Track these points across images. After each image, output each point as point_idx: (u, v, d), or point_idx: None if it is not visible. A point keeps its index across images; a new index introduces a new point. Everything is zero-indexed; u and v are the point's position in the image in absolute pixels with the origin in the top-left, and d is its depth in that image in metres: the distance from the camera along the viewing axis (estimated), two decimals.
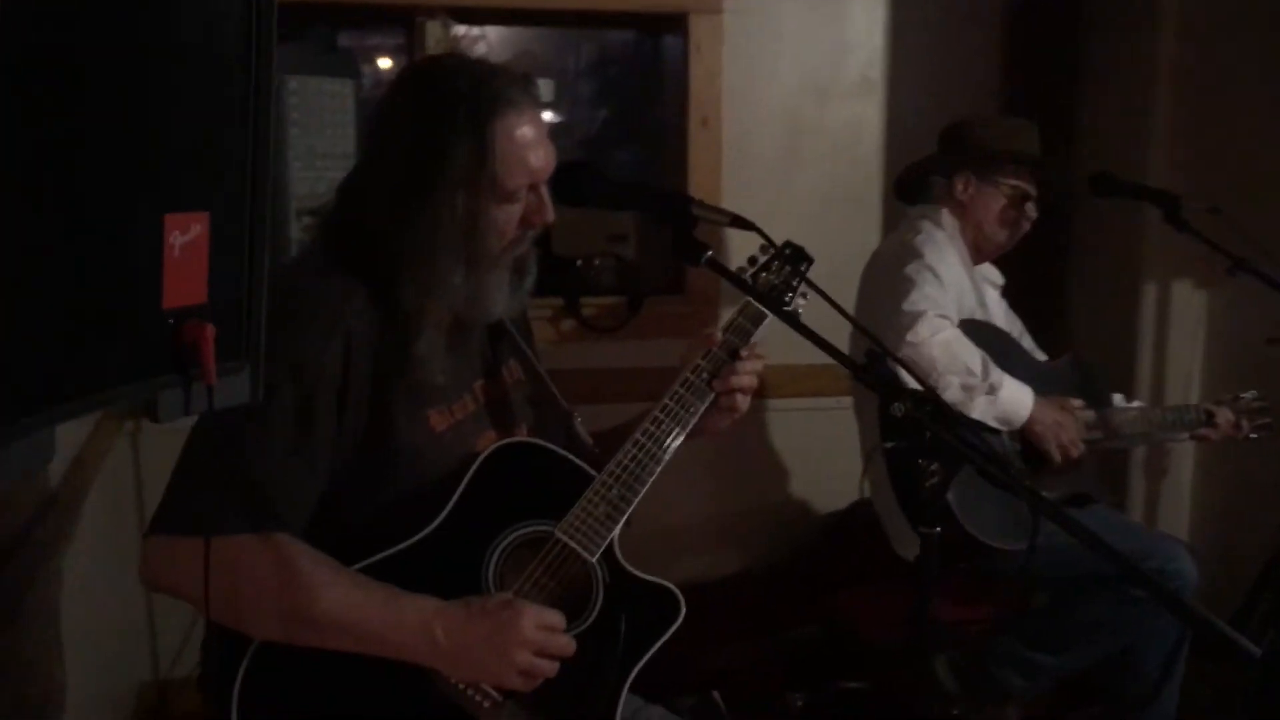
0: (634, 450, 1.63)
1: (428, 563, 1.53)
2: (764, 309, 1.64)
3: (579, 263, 3.22)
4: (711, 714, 2.87)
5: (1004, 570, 2.54)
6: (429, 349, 1.55)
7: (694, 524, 3.42)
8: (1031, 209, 2.70)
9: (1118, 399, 2.83)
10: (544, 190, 1.58)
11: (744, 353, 1.70)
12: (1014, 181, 2.68)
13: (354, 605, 1.45)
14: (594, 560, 1.59)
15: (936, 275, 2.51)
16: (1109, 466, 3.66)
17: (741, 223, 1.42)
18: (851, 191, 3.37)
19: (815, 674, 3.22)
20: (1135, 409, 2.77)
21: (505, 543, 1.58)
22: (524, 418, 1.77)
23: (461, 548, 1.56)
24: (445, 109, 1.52)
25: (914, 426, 1.34)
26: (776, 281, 1.80)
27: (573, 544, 1.58)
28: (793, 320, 1.52)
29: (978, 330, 2.55)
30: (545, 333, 3.18)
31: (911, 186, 2.83)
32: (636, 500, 1.62)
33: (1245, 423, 2.72)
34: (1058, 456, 2.51)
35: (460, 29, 3.25)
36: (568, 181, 1.46)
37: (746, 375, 1.71)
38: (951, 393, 2.39)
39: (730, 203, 3.26)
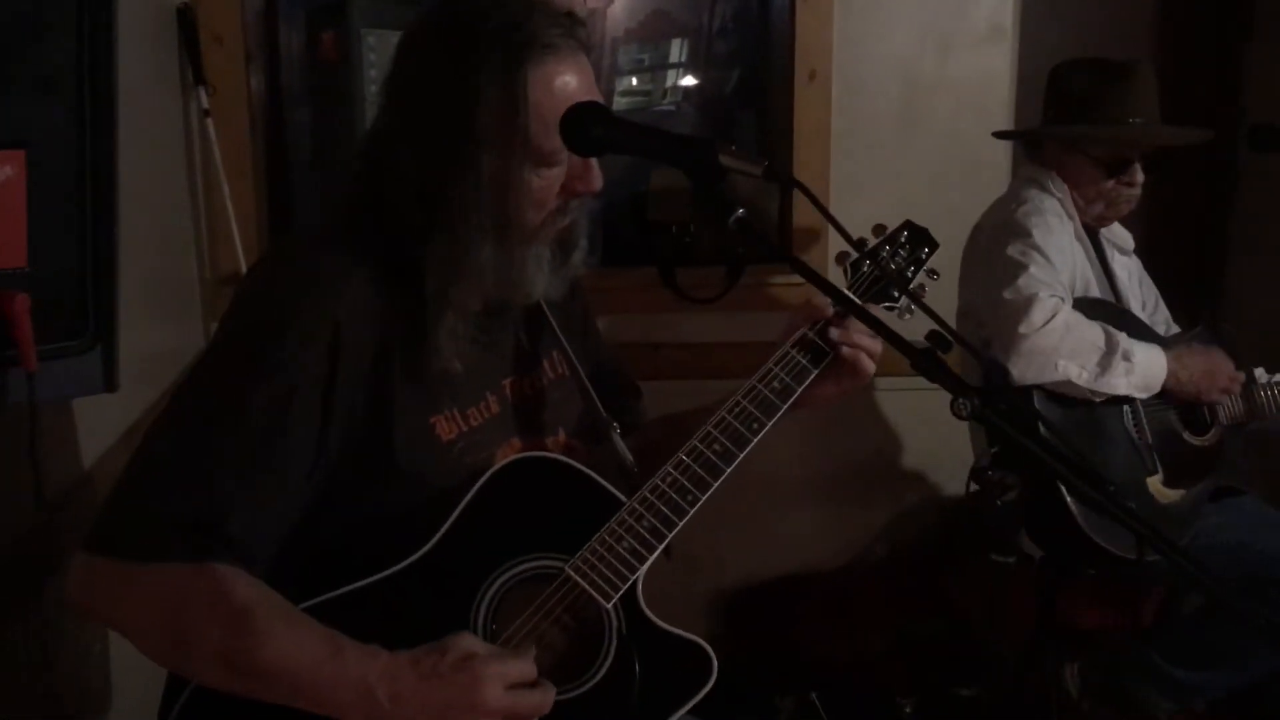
0: (681, 469, 1.38)
1: (409, 597, 1.30)
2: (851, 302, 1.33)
3: (674, 229, 3.01)
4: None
5: (1145, 575, 2.25)
6: (449, 339, 1.33)
7: (799, 505, 3.18)
8: (1133, 173, 2.35)
9: (1260, 373, 2.49)
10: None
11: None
12: (1100, 149, 2.34)
13: (290, 655, 1.21)
14: (609, 606, 1.34)
15: (1044, 254, 2.23)
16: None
17: (778, 177, 1.17)
18: (976, 154, 3.04)
19: (929, 676, 2.98)
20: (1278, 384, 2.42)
21: (505, 577, 1.34)
22: (561, 423, 1.52)
23: (452, 580, 1.32)
24: (470, 53, 1.28)
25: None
26: (885, 269, 1.56)
27: (585, 584, 1.33)
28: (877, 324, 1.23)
29: (1093, 308, 2.27)
30: (638, 303, 2.98)
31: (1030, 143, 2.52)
32: (673, 533, 1.37)
33: None
34: (1227, 400, 2.29)
35: None
36: (573, 128, 1.23)
37: (869, 337, 1.45)
38: (1082, 376, 2.11)
39: (840, 165, 3.07)
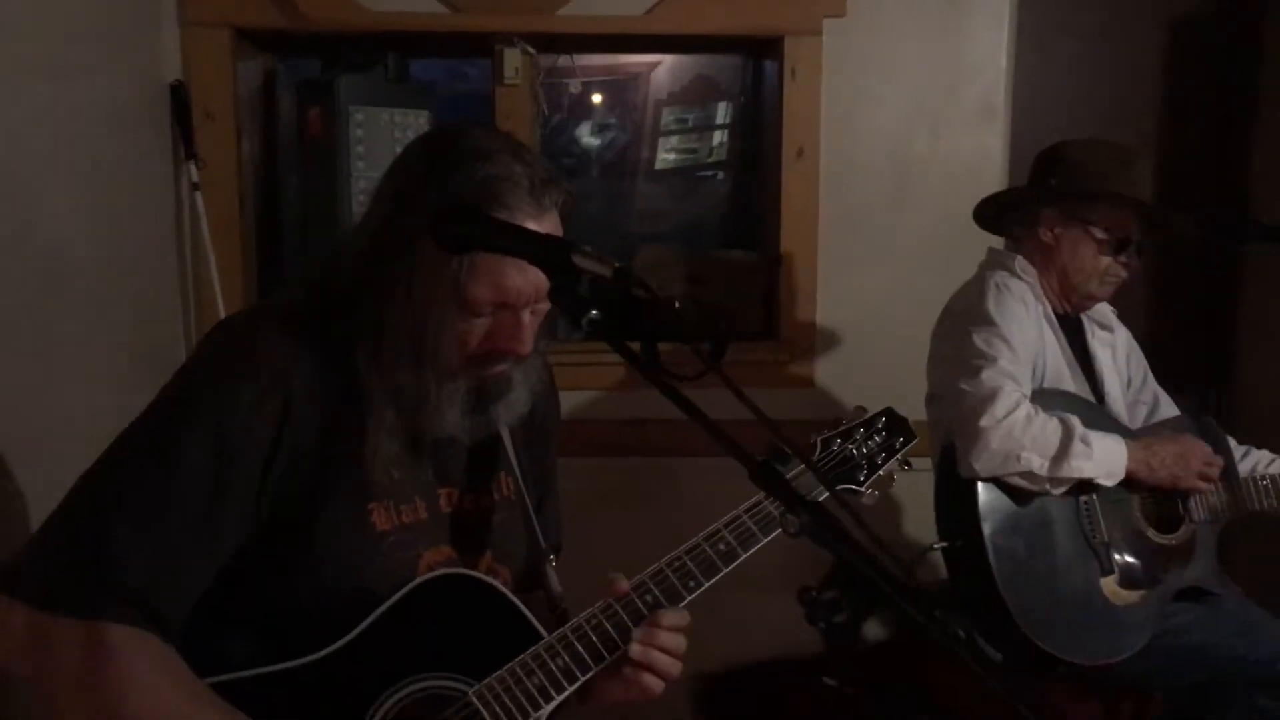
0: (608, 613, 1.36)
1: (308, 693, 1.28)
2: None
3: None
4: None
5: (1114, 674, 2.16)
6: (384, 436, 1.34)
7: (782, 590, 3.10)
8: (1132, 255, 2.29)
9: (1260, 455, 2.40)
10: (524, 316, 1.33)
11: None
12: (1107, 224, 2.28)
13: None
14: None
15: (1009, 344, 2.16)
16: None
17: (630, 279, 1.15)
18: (968, 233, 2.97)
19: None
20: (1272, 474, 2.32)
21: (407, 691, 1.31)
22: (495, 545, 1.50)
23: (354, 685, 1.30)
24: (425, 187, 1.31)
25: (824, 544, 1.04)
26: (856, 454, 1.57)
27: (485, 713, 1.31)
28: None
29: (1053, 401, 2.20)
30: (621, 379, 2.97)
31: (994, 218, 2.46)
32: (586, 677, 1.35)
33: None
34: (1203, 485, 2.20)
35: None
36: (445, 224, 1.23)
37: (669, 648, 1.39)
38: (1043, 466, 2.06)
39: (830, 243, 3.04)
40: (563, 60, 3.18)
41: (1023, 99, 3.03)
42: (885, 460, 1.57)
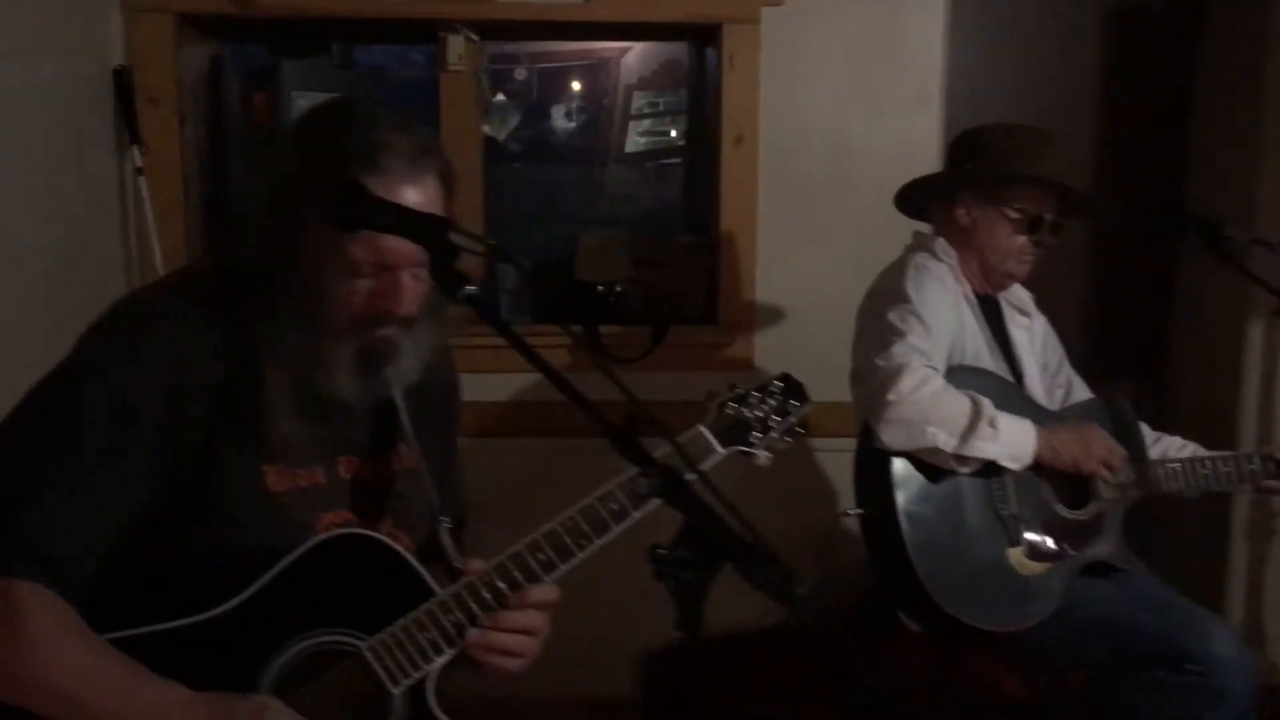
0: (500, 570, 1.40)
1: (205, 649, 1.33)
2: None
3: (600, 289, 3.04)
4: None
5: (1025, 646, 2.23)
6: (280, 400, 1.39)
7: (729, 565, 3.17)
8: (1047, 234, 2.36)
9: (1172, 441, 2.47)
10: (404, 278, 1.38)
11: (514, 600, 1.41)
12: (1020, 204, 2.34)
13: (84, 678, 1.26)
14: (396, 692, 1.36)
15: (923, 321, 2.22)
16: (1206, 526, 3.27)
17: (501, 255, 1.21)
18: (903, 217, 3.05)
19: None
20: (1181, 459, 2.39)
21: (300, 647, 1.35)
22: (396, 512, 1.54)
23: (248, 641, 1.34)
24: (312, 151, 1.38)
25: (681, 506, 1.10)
26: (750, 416, 1.61)
27: (377, 667, 1.35)
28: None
29: (970, 378, 2.25)
30: (563, 363, 3.01)
31: (914, 203, 2.52)
32: (472, 633, 1.38)
33: None
34: (1105, 472, 2.23)
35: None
36: (334, 201, 1.29)
37: (510, 633, 1.42)
38: (949, 443, 2.11)
39: (769, 227, 3.10)
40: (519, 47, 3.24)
41: (958, 85, 3.09)
42: (779, 423, 1.62)
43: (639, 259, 3.09)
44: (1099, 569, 2.27)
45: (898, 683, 2.57)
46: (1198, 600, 2.34)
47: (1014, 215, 2.34)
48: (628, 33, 3.25)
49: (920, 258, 2.38)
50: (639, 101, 3.61)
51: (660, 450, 1.37)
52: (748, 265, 3.07)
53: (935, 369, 2.17)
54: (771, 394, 1.62)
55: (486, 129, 3.66)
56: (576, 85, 3.65)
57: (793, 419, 1.63)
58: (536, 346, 2.95)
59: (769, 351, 3.10)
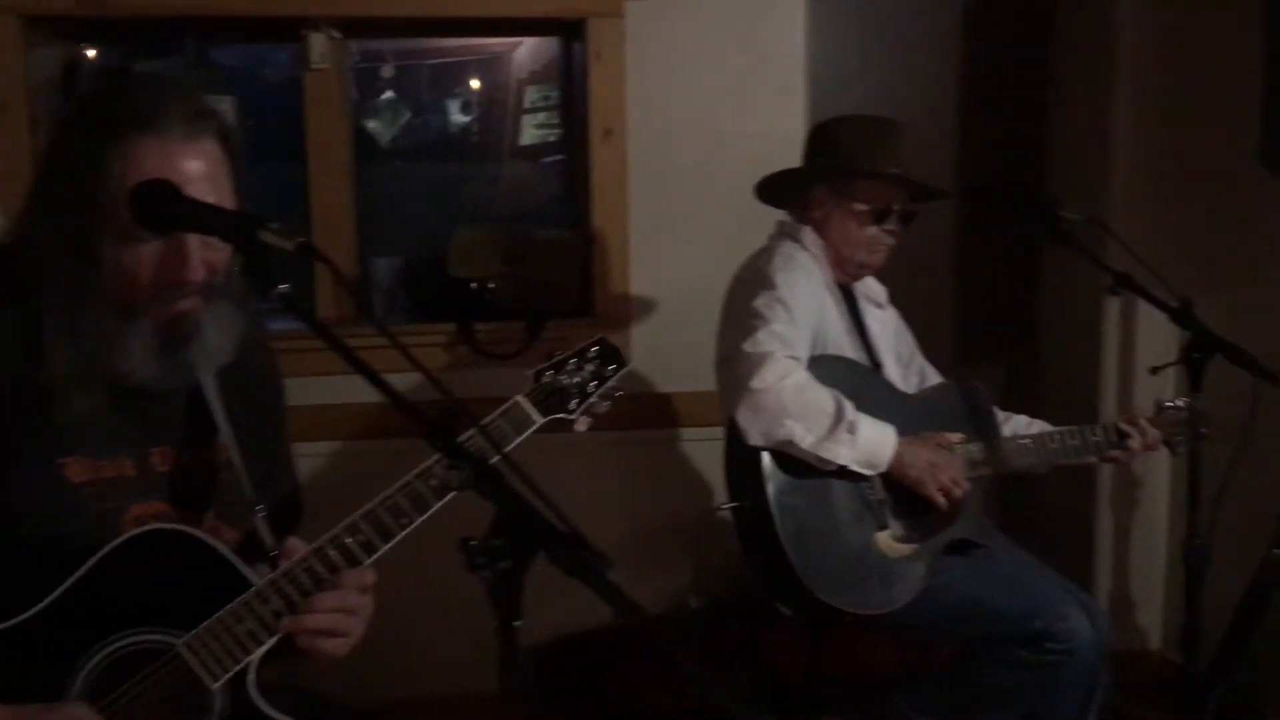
0: (318, 554, 1.39)
1: (9, 656, 1.30)
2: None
3: (474, 285, 3.04)
4: None
5: (900, 627, 2.29)
6: (75, 388, 1.36)
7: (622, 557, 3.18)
8: (896, 224, 2.41)
9: (1020, 420, 2.55)
10: (191, 242, 1.35)
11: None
12: (866, 197, 2.39)
13: None
14: (214, 688, 1.34)
15: (788, 308, 2.25)
16: (1073, 498, 3.39)
17: (312, 253, 1.20)
18: (771, 208, 3.13)
19: None
20: (1030, 435, 2.47)
21: (112, 647, 1.33)
22: (217, 503, 1.52)
23: (55, 646, 1.32)
24: (81, 120, 1.39)
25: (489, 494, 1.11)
26: (568, 383, 1.64)
27: (194, 663, 1.34)
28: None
29: (832, 366, 2.30)
30: (439, 360, 3.00)
31: (773, 195, 2.56)
32: (287, 619, 1.37)
33: (1170, 436, 2.45)
34: (941, 500, 2.25)
35: None
36: (140, 202, 1.27)
37: (327, 613, 1.39)
38: (806, 440, 2.15)
39: (641, 219, 3.12)
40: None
41: (821, 76, 3.15)
42: (597, 388, 1.65)
43: (512, 254, 3.09)
44: (962, 546, 2.34)
45: (772, 672, 2.62)
46: (1068, 571, 2.43)
47: (860, 208, 2.39)
48: (495, 28, 3.23)
49: (787, 246, 2.42)
50: (533, 95, 3.61)
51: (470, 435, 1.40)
52: (620, 258, 3.09)
53: (799, 359, 2.20)
54: (588, 360, 1.65)
55: (374, 125, 3.64)
56: (475, 83, 3.65)
57: (610, 383, 1.67)
58: (412, 346, 2.94)
59: (644, 343, 3.12)
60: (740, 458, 2.28)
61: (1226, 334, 2.10)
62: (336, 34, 2.95)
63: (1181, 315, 2.06)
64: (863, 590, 2.22)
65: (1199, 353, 2.03)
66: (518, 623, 1.11)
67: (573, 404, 1.63)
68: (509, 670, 1.12)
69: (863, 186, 2.39)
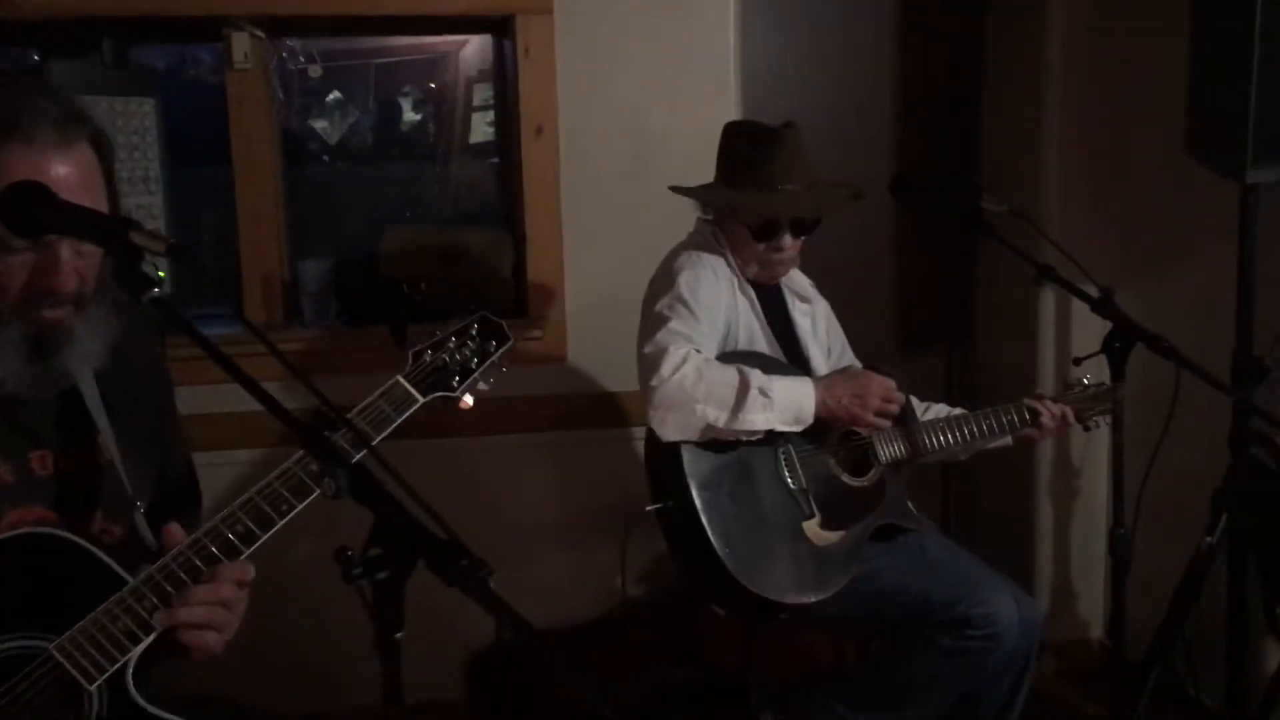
0: (195, 548, 1.36)
1: None
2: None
3: (406, 287, 3.00)
4: None
5: (831, 616, 2.28)
6: None
7: (547, 556, 3.14)
8: (784, 240, 2.36)
9: (939, 408, 2.56)
10: (63, 252, 1.33)
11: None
12: (749, 216, 2.35)
13: None
14: (91, 689, 1.31)
15: (689, 307, 2.25)
16: (1012, 491, 3.40)
17: (181, 255, 1.17)
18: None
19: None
20: (943, 420, 2.47)
21: None
22: (104, 504, 1.49)
23: None
24: None
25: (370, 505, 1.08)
26: (449, 361, 1.63)
27: (68, 665, 1.30)
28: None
29: (742, 360, 2.28)
30: (371, 364, 2.94)
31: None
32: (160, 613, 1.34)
33: (1082, 414, 2.48)
34: (883, 423, 2.27)
35: None
36: (10, 206, 1.24)
37: (201, 605, 1.36)
38: (720, 418, 2.13)
39: (573, 216, 3.09)
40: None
41: (753, 71, 3.14)
42: (480, 364, 1.63)
43: (445, 254, 3.05)
44: (889, 532, 2.33)
45: (709, 669, 2.61)
46: (1010, 564, 2.44)
47: (747, 224, 2.36)
48: (422, 26, 3.20)
49: (694, 242, 2.42)
50: (485, 93, 3.58)
51: (341, 432, 1.41)
52: (553, 256, 3.07)
53: (697, 349, 2.19)
54: (470, 337, 1.62)
55: (322, 126, 3.59)
56: (428, 83, 3.62)
57: (493, 359, 1.64)
58: (343, 350, 2.89)
59: (579, 341, 3.10)
60: (661, 460, 2.27)
61: (1159, 323, 2.10)
62: (259, 33, 2.90)
63: (1102, 305, 2.05)
64: (794, 579, 2.22)
65: (1119, 342, 2.02)
66: (399, 634, 1.08)
67: (455, 381, 1.61)
68: (390, 683, 1.09)
69: (747, 205, 2.35)
